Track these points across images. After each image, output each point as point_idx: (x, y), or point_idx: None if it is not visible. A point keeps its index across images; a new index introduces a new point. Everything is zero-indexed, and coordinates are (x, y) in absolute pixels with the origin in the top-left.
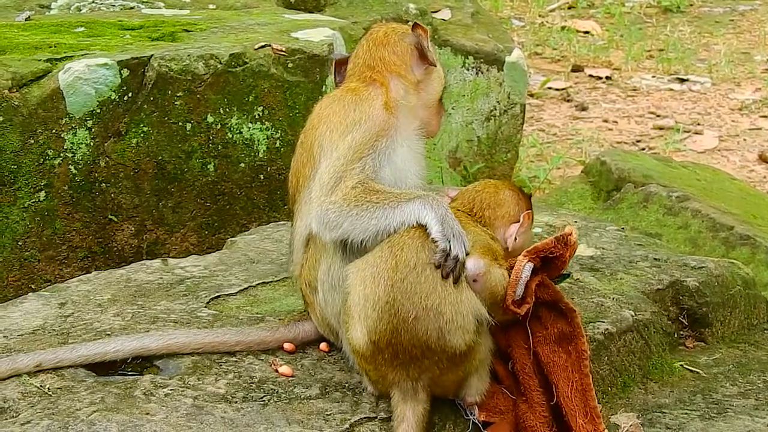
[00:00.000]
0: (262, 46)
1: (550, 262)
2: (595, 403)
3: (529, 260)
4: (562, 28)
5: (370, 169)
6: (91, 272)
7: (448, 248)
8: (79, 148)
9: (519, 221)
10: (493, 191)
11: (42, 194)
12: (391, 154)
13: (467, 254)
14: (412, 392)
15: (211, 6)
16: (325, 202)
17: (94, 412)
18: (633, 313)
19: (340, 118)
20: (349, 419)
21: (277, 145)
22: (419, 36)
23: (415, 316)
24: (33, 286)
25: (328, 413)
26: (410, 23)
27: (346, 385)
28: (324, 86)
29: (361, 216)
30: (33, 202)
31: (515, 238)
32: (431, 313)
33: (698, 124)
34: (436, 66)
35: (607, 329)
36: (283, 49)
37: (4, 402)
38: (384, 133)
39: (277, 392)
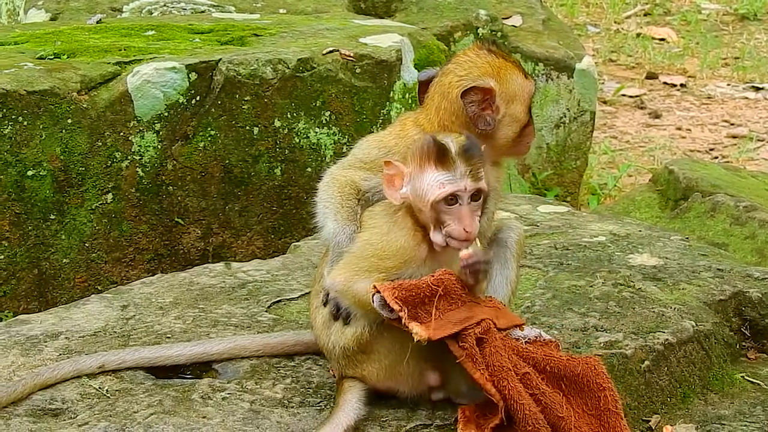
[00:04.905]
0: (330, 51)
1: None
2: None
3: (376, 291)
4: (638, 35)
5: (368, 184)
6: (156, 275)
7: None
8: (147, 150)
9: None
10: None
11: (109, 196)
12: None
13: None
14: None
15: (281, 11)
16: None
17: (152, 414)
18: (694, 324)
19: (382, 137)
20: (404, 426)
21: (344, 150)
22: (470, 103)
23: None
24: (99, 288)
25: (384, 419)
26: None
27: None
28: (392, 92)
29: (319, 203)
30: (100, 204)
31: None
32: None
33: None
34: (491, 128)
35: (668, 339)
36: (351, 54)
37: (63, 403)
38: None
39: (334, 398)
